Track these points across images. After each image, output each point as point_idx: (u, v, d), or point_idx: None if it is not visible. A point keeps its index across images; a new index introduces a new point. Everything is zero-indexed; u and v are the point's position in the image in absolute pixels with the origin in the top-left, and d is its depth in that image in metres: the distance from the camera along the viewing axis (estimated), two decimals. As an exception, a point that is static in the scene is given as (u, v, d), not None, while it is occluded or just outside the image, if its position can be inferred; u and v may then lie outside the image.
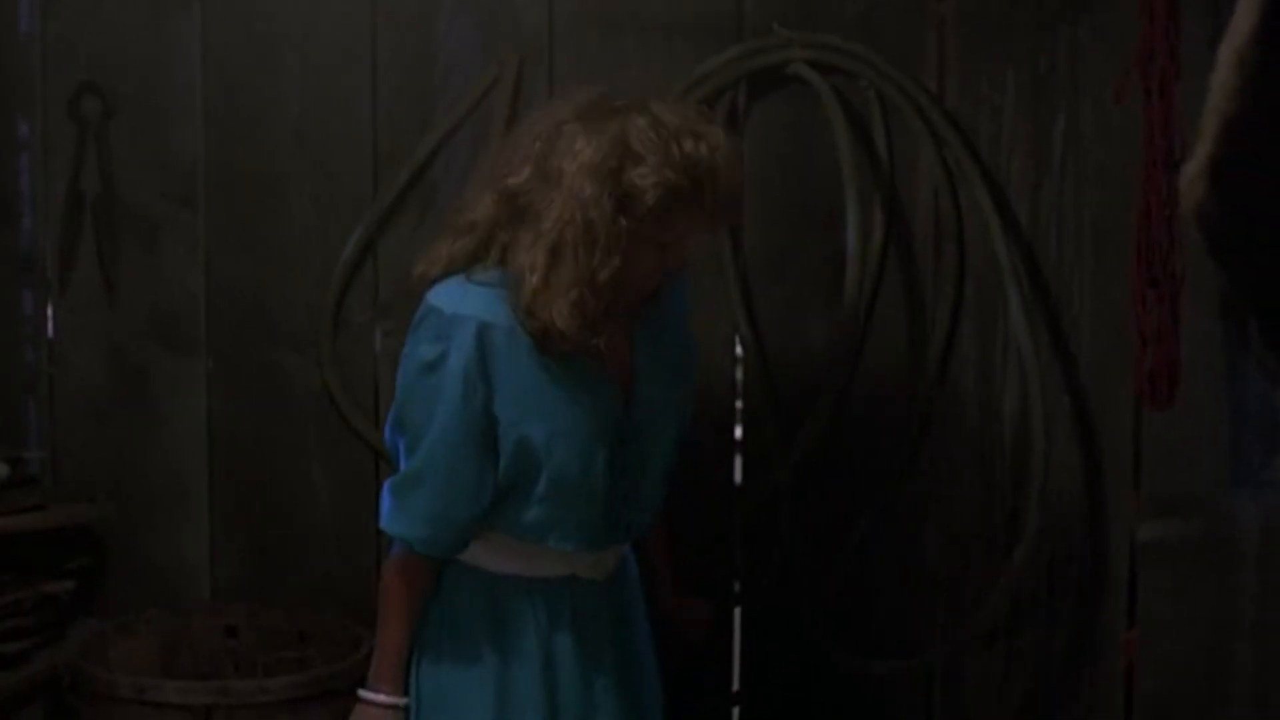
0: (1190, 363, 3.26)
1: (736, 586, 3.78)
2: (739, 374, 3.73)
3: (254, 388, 3.89)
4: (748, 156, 3.63)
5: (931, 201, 3.58)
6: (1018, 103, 3.53)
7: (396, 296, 3.79)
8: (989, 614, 3.57)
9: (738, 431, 3.77)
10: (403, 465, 2.89)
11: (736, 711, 3.83)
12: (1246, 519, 3.45)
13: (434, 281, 2.88)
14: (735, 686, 3.81)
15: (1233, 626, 3.48)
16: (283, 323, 3.86)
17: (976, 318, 3.58)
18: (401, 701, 2.96)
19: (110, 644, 3.69)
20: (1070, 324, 3.53)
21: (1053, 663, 3.62)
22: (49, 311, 3.94)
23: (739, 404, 3.75)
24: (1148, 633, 3.54)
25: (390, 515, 2.90)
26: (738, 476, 3.77)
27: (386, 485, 2.91)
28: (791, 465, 3.66)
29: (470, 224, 2.83)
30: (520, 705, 2.93)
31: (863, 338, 3.61)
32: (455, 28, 3.74)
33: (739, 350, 3.71)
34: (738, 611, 3.79)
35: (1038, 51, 3.50)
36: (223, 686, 3.46)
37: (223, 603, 3.90)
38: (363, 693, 2.98)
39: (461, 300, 2.80)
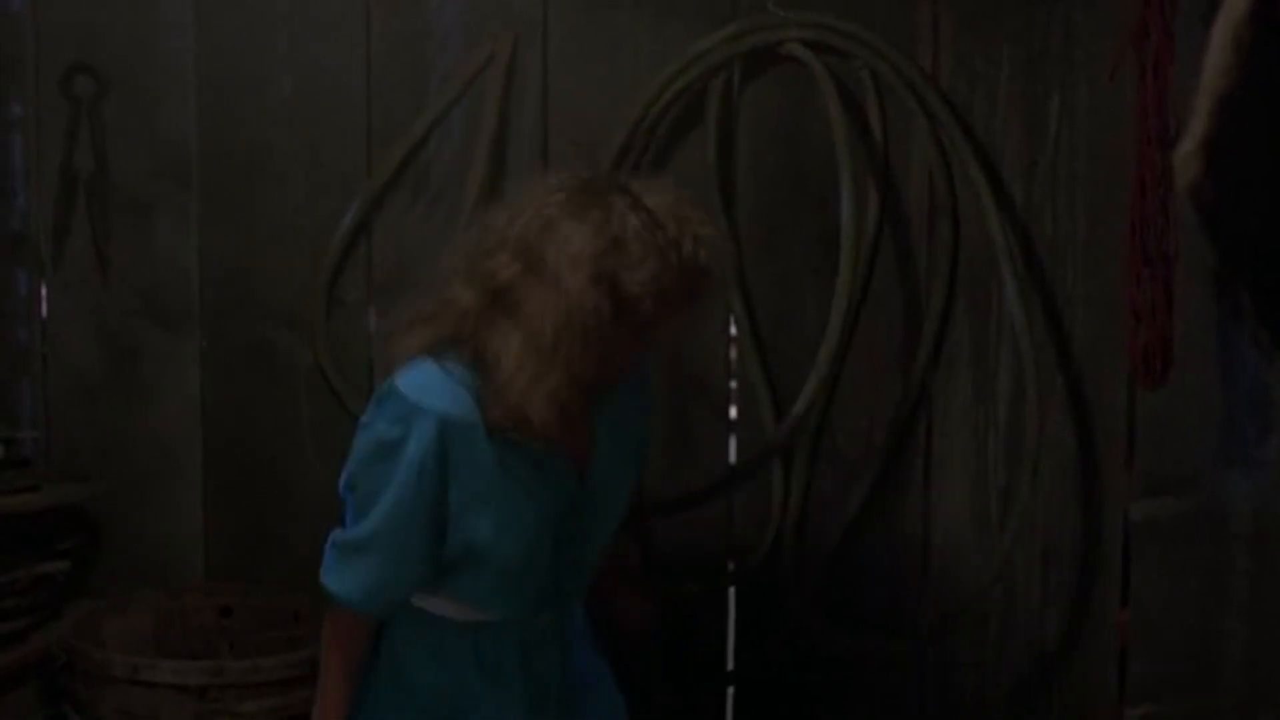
0: (1184, 341, 3.26)
1: (730, 566, 3.78)
2: (733, 353, 3.73)
3: (247, 366, 3.89)
4: (742, 135, 3.65)
5: (925, 180, 3.59)
6: (1012, 81, 3.52)
7: (390, 275, 3.80)
8: (982, 591, 3.57)
9: (732, 411, 3.77)
10: (349, 525, 2.83)
11: (731, 691, 3.84)
12: (1239, 498, 3.45)
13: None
14: (730, 666, 3.82)
15: (1225, 605, 3.49)
16: (276, 301, 3.86)
17: (970, 295, 3.58)
18: None
19: (104, 623, 3.69)
20: (1064, 301, 3.53)
21: (1045, 642, 3.62)
22: (42, 291, 3.93)
23: (733, 383, 3.75)
24: (1140, 611, 3.55)
25: (331, 572, 2.84)
26: (732, 456, 3.78)
27: (331, 539, 2.85)
28: (785, 444, 3.66)
29: (448, 310, 2.74)
30: None
31: (857, 316, 3.60)
32: (448, 6, 3.73)
33: (733, 329, 3.71)
34: (732, 591, 3.80)
35: (1032, 29, 3.50)
36: (216, 666, 3.47)
37: (216, 582, 3.90)
38: None
39: (427, 389, 2.72)
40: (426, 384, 2.73)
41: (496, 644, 2.89)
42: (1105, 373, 3.51)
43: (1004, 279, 3.48)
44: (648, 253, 2.64)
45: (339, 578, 2.83)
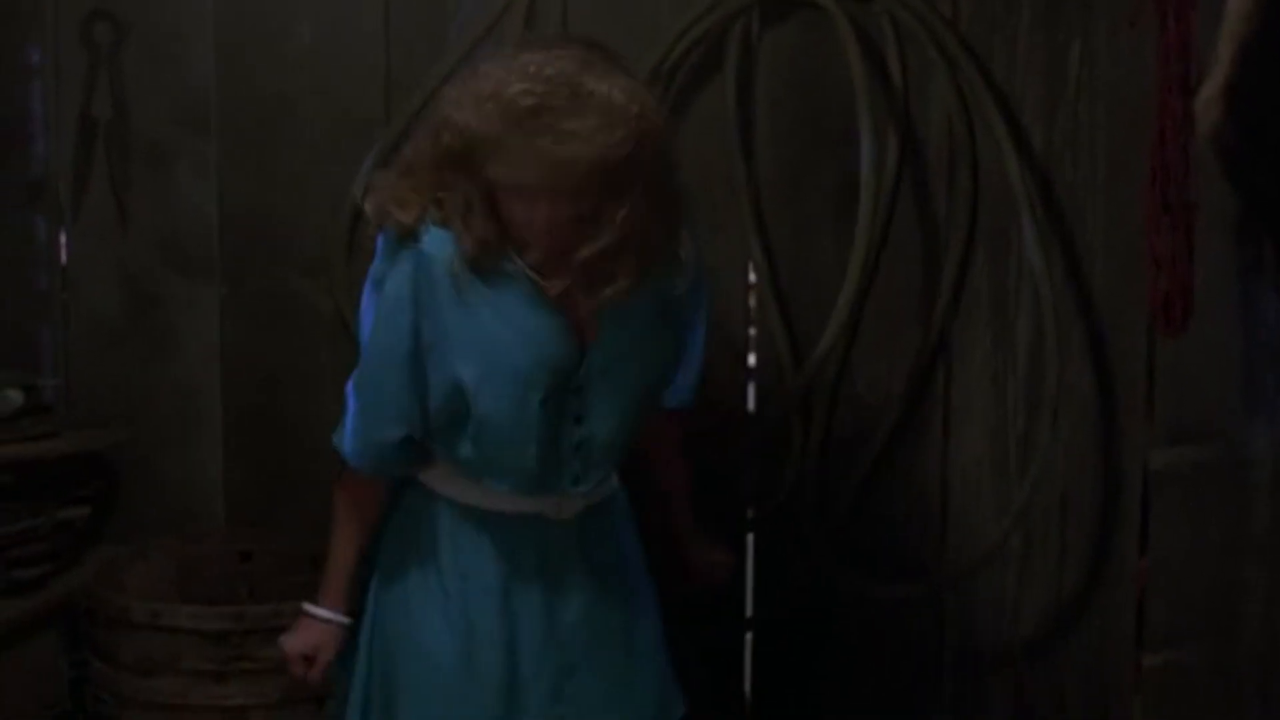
0: (1204, 289, 3.25)
1: (750, 513, 3.79)
2: (751, 300, 3.73)
3: (267, 313, 3.89)
4: (762, 82, 3.64)
5: (945, 126, 3.57)
6: (1032, 27, 3.51)
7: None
8: (1001, 539, 3.57)
9: (750, 358, 3.76)
10: (354, 381, 2.93)
11: (750, 637, 3.84)
12: (1260, 446, 3.45)
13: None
14: (749, 612, 3.82)
15: (1245, 553, 3.48)
16: (296, 248, 3.86)
17: (990, 243, 3.57)
18: (342, 619, 2.99)
19: (125, 570, 3.70)
20: (1084, 249, 3.52)
21: (1064, 589, 3.62)
22: (62, 238, 3.94)
23: (751, 330, 3.75)
24: (1159, 560, 3.55)
25: (338, 431, 2.93)
26: (750, 403, 3.78)
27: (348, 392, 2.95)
28: (804, 391, 3.66)
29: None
30: (479, 637, 2.91)
31: (876, 262, 3.60)
32: (468, -49, 3.73)
33: (751, 276, 3.71)
34: (750, 538, 3.80)
35: (1053, -26, 3.49)
36: (237, 611, 3.48)
37: (236, 528, 3.92)
38: (306, 606, 3.01)
39: (420, 234, 2.79)
40: (416, 230, 2.80)
41: (512, 542, 2.91)
42: (1125, 321, 3.50)
43: (1023, 226, 3.46)
44: (469, 96, 2.69)
45: (339, 429, 2.92)
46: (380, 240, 2.84)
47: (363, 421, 2.87)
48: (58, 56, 3.88)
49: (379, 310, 2.83)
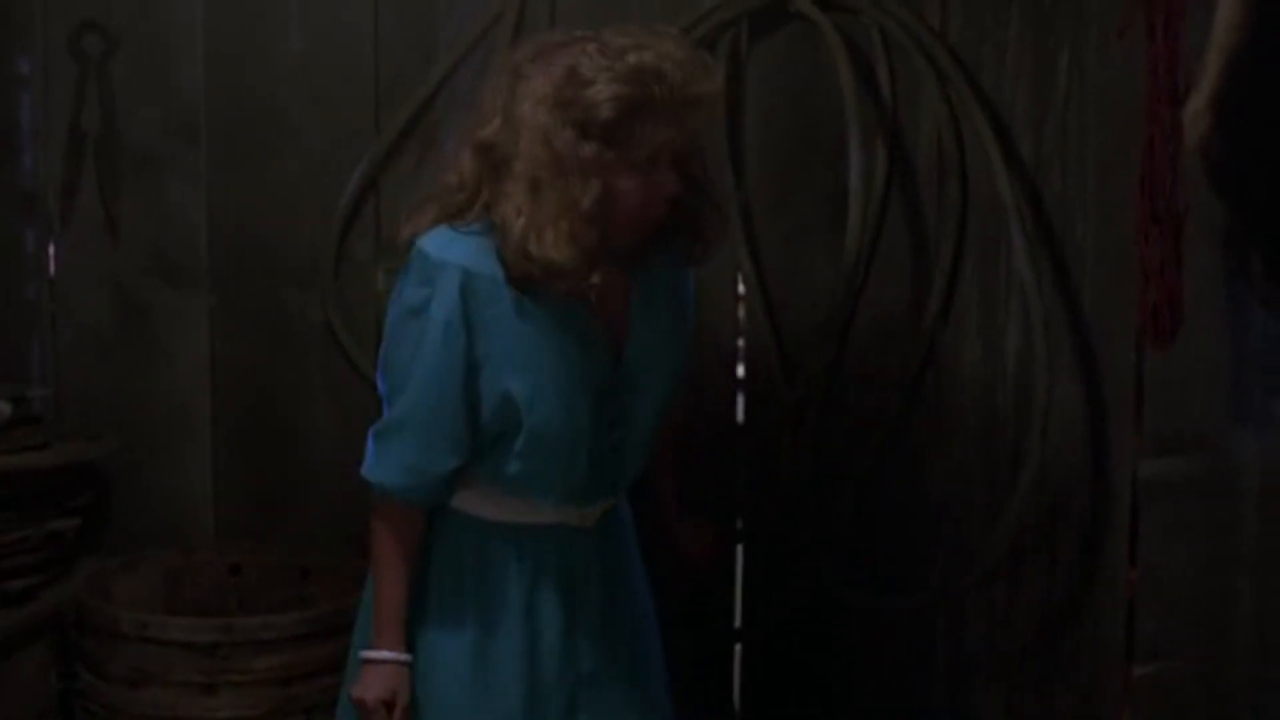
0: (1193, 299, 3.25)
1: (739, 524, 3.79)
2: (741, 311, 3.73)
3: (257, 324, 3.90)
4: (751, 94, 3.64)
5: (934, 137, 3.57)
6: (1021, 37, 3.51)
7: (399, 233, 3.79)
8: (991, 550, 3.57)
9: (740, 369, 3.77)
10: (385, 411, 2.84)
11: (738, 648, 3.84)
12: (1248, 457, 3.44)
13: None
14: (737, 623, 3.82)
15: (1234, 564, 3.47)
16: (285, 259, 3.86)
17: (979, 253, 3.57)
18: (405, 657, 2.87)
19: (114, 581, 3.70)
20: (1073, 259, 3.51)
21: (1054, 600, 3.62)
22: (51, 249, 3.94)
23: (741, 341, 3.75)
24: (1149, 571, 3.54)
25: (371, 462, 2.85)
26: (740, 415, 3.78)
27: (370, 431, 2.86)
28: (794, 402, 3.66)
29: (454, 184, 2.80)
30: (499, 652, 2.89)
31: (865, 273, 3.60)
32: (457, -37, 3.74)
33: (741, 287, 3.71)
34: (740, 549, 3.80)
35: (1041, -15, 3.49)
36: (226, 624, 3.48)
37: (226, 540, 3.91)
38: (365, 654, 2.88)
39: (448, 246, 2.76)
40: (447, 242, 2.77)
41: (537, 553, 2.89)
42: (1114, 331, 3.50)
43: (1013, 236, 3.46)
44: (598, 70, 2.68)
45: (378, 465, 2.84)
46: (412, 264, 2.78)
47: (417, 455, 2.81)
48: (47, 67, 3.88)
49: (428, 337, 2.76)
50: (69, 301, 3.94)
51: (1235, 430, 3.42)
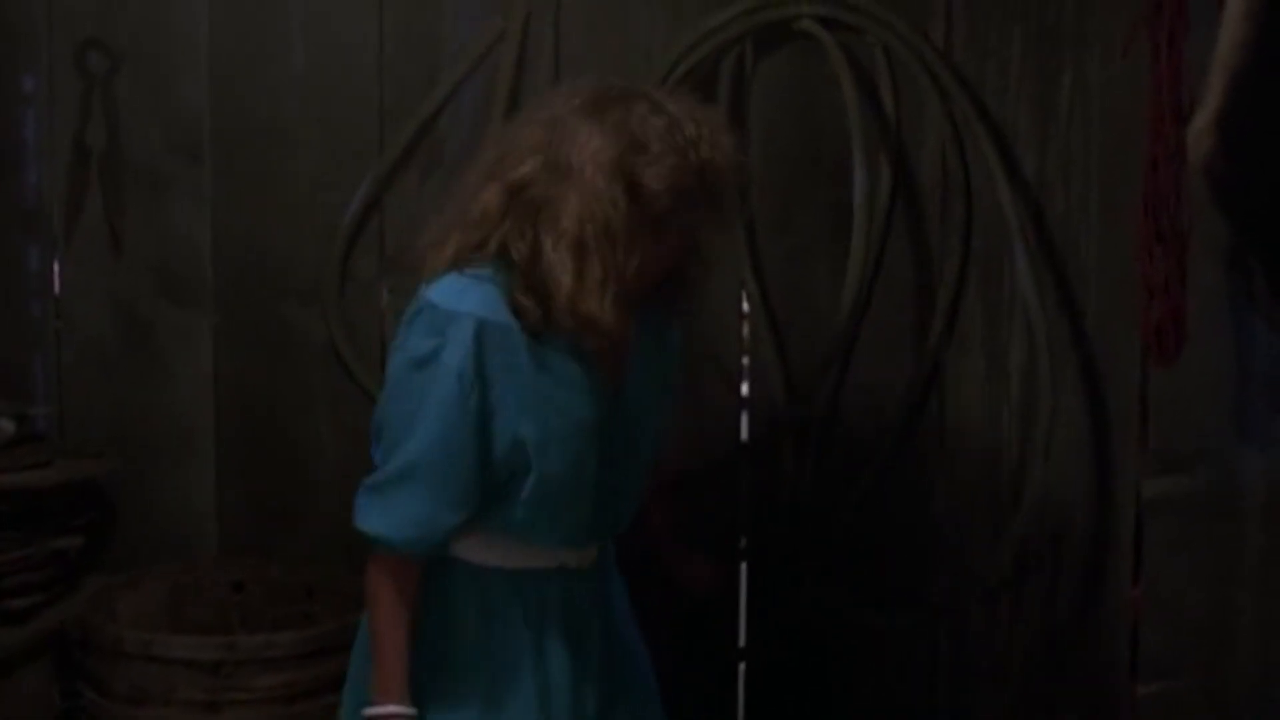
0: (1197, 317, 3.25)
1: (743, 541, 3.78)
2: (745, 329, 3.73)
3: (260, 342, 3.89)
4: (755, 111, 3.64)
5: (938, 155, 3.58)
6: (1024, 56, 3.51)
7: (402, 251, 3.80)
8: (994, 568, 3.57)
9: (744, 387, 3.76)
10: (384, 463, 2.76)
11: (742, 667, 3.84)
12: (1252, 474, 3.44)
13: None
14: (741, 642, 3.82)
15: (1238, 582, 3.48)
16: (289, 276, 3.86)
17: (983, 271, 3.58)
18: (411, 711, 2.77)
19: (118, 599, 3.70)
20: (1077, 278, 3.52)
21: (1058, 617, 3.62)
22: (55, 266, 3.94)
23: (745, 359, 3.75)
24: (1152, 588, 3.54)
25: (370, 515, 2.76)
26: (744, 433, 3.77)
27: (364, 485, 2.78)
28: (797, 420, 3.66)
29: (475, 217, 2.75)
30: (512, 702, 2.84)
31: (869, 291, 3.60)
32: (461, -20, 3.74)
33: (745, 305, 3.71)
34: (744, 566, 3.80)
35: (1044, 5, 3.50)
36: (229, 642, 3.47)
37: (230, 558, 3.91)
38: (368, 711, 2.78)
39: (459, 296, 2.71)
40: (458, 291, 2.71)
41: (540, 599, 2.86)
42: (1118, 349, 3.50)
43: (1016, 254, 3.47)
44: (666, 150, 2.66)
45: (382, 517, 2.75)
46: (421, 314, 2.73)
47: (426, 506, 2.73)
48: (52, 84, 3.88)
49: (438, 386, 2.69)
50: (73, 318, 3.94)
51: (1239, 448, 3.43)
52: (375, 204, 3.80)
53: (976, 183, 3.55)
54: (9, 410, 3.72)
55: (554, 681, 2.87)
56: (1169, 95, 3.14)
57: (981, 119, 3.51)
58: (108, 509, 3.88)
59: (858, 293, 3.57)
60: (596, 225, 2.65)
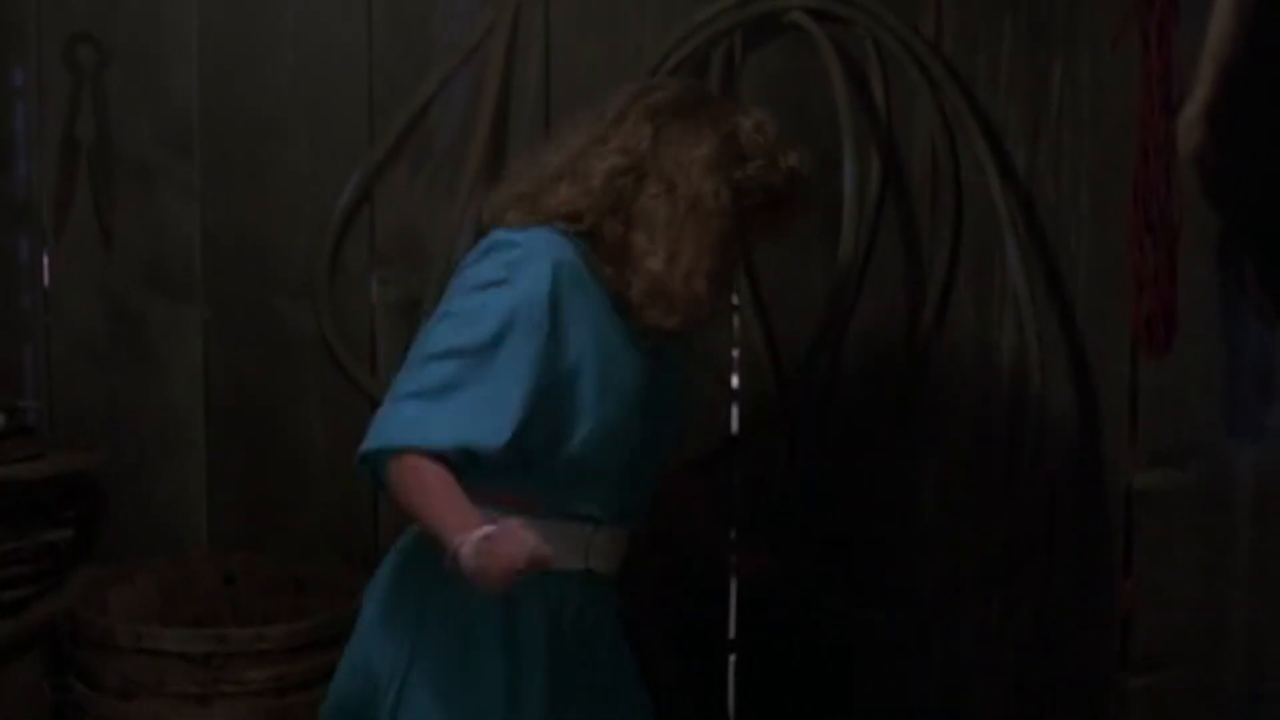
0: (1187, 309, 3.25)
1: (733, 534, 3.78)
2: (735, 321, 3.73)
3: (251, 334, 3.89)
4: (745, 103, 3.63)
5: (928, 148, 3.58)
6: (1015, 49, 3.51)
7: (393, 244, 3.80)
8: (985, 560, 3.57)
9: (734, 380, 3.76)
10: (423, 377, 2.68)
11: (733, 658, 3.84)
12: (1242, 467, 3.44)
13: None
14: (731, 633, 3.82)
15: (1228, 575, 3.48)
16: (279, 269, 3.86)
17: (973, 264, 3.58)
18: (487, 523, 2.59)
19: (108, 592, 3.70)
20: (1067, 269, 3.52)
21: (1049, 611, 3.62)
22: (45, 259, 3.94)
23: (735, 352, 3.75)
24: (1143, 581, 3.54)
25: (406, 426, 2.66)
26: (734, 425, 3.77)
27: (400, 392, 2.69)
28: (788, 412, 3.66)
29: (574, 195, 2.80)
30: (529, 696, 2.82)
31: (860, 284, 3.60)
32: (452, -29, 3.74)
33: (735, 298, 3.70)
34: (734, 559, 3.79)
35: (1035, -3, 3.50)
36: (220, 634, 3.47)
37: (221, 550, 3.91)
38: (461, 538, 2.56)
39: (542, 239, 2.75)
40: (542, 238, 2.76)
41: (563, 601, 2.85)
42: (1108, 341, 3.50)
43: (1006, 247, 3.48)
44: (757, 151, 2.85)
45: (418, 427, 2.65)
46: (497, 248, 2.75)
47: (464, 421, 2.65)
48: (41, 78, 3.88)
49: (505, 306, 2.68)
50: (63, 312, 3.94)
51: (1229, 440, 3.43)
52: (366, 197, 3.80)
53: (966, 175, 3.55)
54: (-1, 403, 3.73)
55: (566, 685, 2.86)
56: (1159, 87, 3.13)
57: (972, 111, 3.51)
58: (98, 502, 3.88)
59: (847, 285, 3.57)
60: (694, 216, 2.78)
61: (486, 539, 2.54)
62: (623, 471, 2.86)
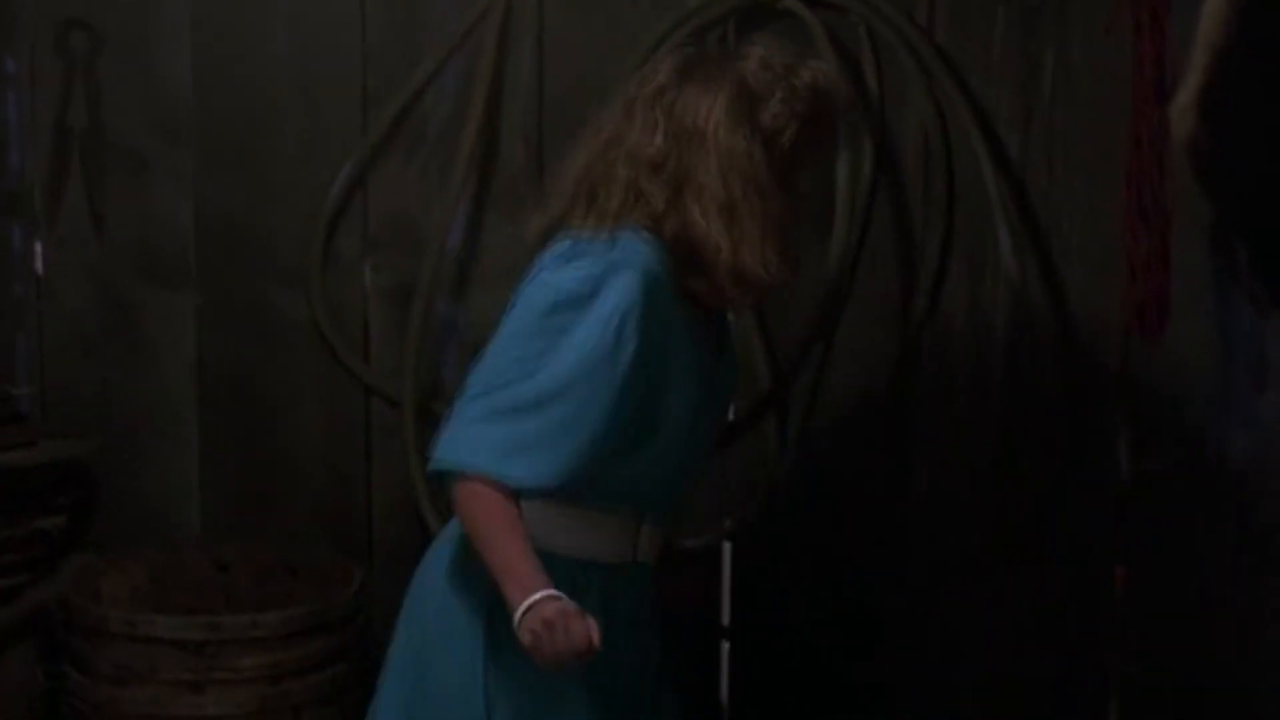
0: (1179, 296, 3.26)
1: (727, 522, 3.78)
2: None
3: (243, 322, 3.89)
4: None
5: (921, 134, 3.58)
6: (1007, 36, 3.51)
7: (386, 231, 3.80)
8: (978, 545, 3.58)
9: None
10: (492, 396, 2.60)
11: (726, 646, 3.84)
12: (1235, 453, 3.45)
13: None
14: (725, 621, 3.82)
15: (1221, 560, 3.48)
16: (272, 257, 3.86)
17: (966, 250, 3.58)
18: (559, 595, 2.55)
19: (101, 579, 3.69)
20: (1060, 256, 3.52)
21: (1041, 598, 3.62)
22: (37, 247, 3.93)
23: (728, 338, 3.75)
24: (1135, 567, 3.55)
25: (478, 445, 2.59)
26: (730, 412, 3.77)
27: (468, 407, 2.61)
28: (781, 399, 3.66)
29: (614, 205, 2.70)
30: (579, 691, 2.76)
31: (853, 270, 3.60)
32: (444, -40, 3.74)
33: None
34: (728, 546, 3.80)
35: (1028, -16, 3.50)
36: (213, 622, 3.47)
37: (214, 538, 3.91)
38: (523, 603, 2.54)
39: (624, 247, 2.64)
40: (623, 243, 2.65)
41: (608, 591, 2.77)
42: (1101, 327, 3.50)
43: (999, 234, 3.48)
44: (772, 88, 2.72)
45: (493, 456, 2.57)
46: (579, 256, 2.64)
47: (554, 444, 2.58)
48: (33, 66, 3.87)
49: (589, 327, 2.58)
50: (55, 299, 3.94)
51: (1222, 427, 3.43)
52: (359, 184, 3.80)
53: (959, 162, 3.55)
54: (-9, 391, 3.73)
55: (613, 670, 2.79)
56: (1152, 73, 3.14)
57: (965, 98, 3.51)
58: (91, 489, 3.87)
59: (840, 270, 3.57)
60: (741, 181, 2.67)
61: (547, 626, 2.51)
62: (676, 469, 2.81)
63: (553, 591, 2.54)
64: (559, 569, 2.64)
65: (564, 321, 2.60)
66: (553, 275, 2.64)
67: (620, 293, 2.60)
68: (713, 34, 3.63)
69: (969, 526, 3.62)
